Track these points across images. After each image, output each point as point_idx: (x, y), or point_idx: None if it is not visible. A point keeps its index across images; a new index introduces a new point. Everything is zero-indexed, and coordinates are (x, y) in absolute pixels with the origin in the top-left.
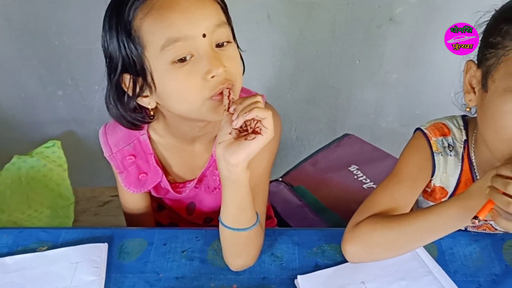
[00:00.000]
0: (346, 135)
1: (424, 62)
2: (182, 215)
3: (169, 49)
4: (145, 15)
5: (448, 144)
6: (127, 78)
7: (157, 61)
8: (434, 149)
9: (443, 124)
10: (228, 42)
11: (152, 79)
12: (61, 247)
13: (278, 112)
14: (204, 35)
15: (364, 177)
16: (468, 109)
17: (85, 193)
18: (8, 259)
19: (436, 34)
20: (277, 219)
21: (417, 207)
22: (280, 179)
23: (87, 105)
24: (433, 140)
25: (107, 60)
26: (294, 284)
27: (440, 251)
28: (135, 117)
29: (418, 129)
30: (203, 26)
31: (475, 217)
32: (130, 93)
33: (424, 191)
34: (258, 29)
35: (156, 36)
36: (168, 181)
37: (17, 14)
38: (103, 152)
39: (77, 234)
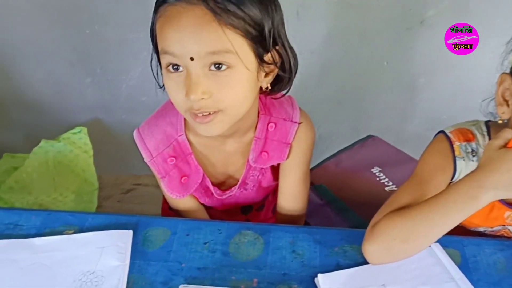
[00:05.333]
0: (370, 136)
1: (454, 67)
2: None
3: (164, 56)
4: (158, 18)
5: (472, 149)
6: None
7: (161, 59)
8: (456, 153)
9: (468, 129)
10: (228, 67)
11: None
12: (87, 231)
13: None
14: (191, 58)
15: (387, 179)
16: (500, 121)
17: (109, 180)
18: (36, 240)
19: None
20: None
21: None
22: None
23: (114, 94)
24: (456, 144)
25: None
26: (314, 282)
27: (463, 258)
28: None
29: (441, 132)
30: (193, 51)
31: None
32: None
33: None
34: (287, 27)
35: (159, 40)
36: (211, 182)
37: (52, 2)
38: (133, 146)
39: (103, 220)
